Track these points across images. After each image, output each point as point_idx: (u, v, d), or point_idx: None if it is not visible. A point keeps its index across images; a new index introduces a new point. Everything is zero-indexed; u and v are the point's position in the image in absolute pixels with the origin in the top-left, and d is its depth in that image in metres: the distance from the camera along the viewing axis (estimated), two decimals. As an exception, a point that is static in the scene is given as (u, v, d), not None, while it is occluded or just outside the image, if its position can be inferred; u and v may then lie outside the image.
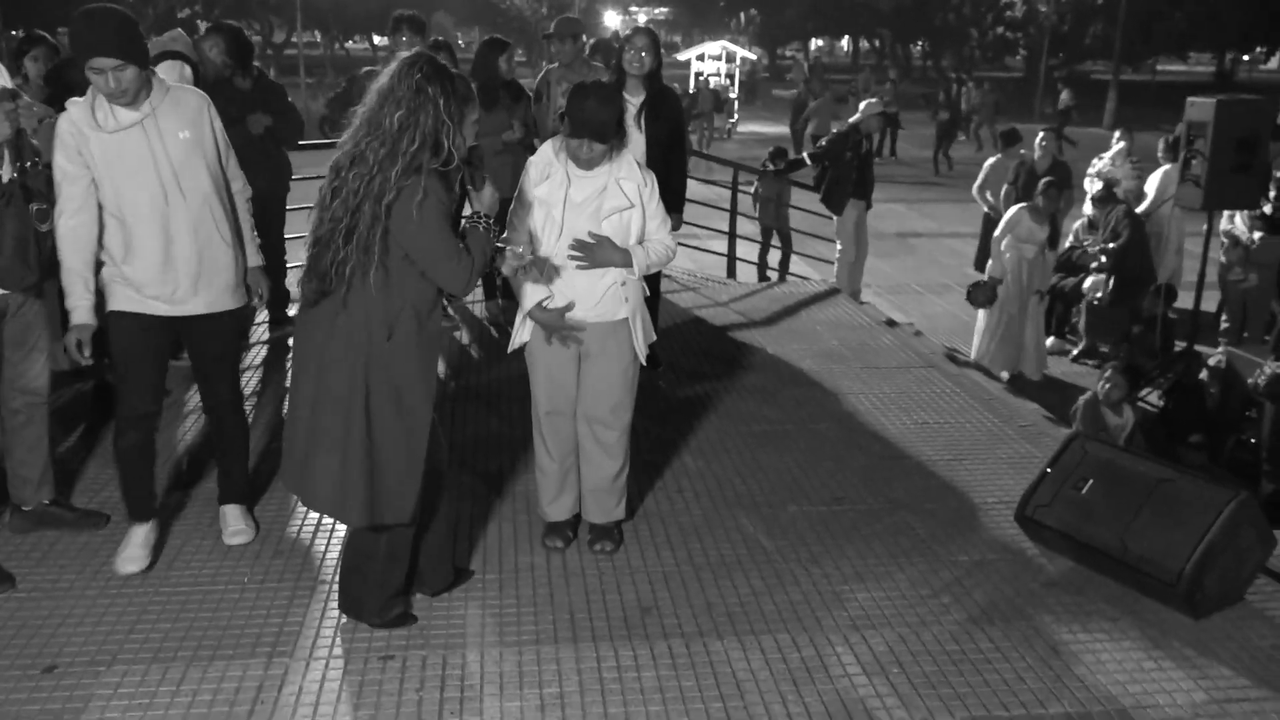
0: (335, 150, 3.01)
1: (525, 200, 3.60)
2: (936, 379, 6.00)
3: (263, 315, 6.45)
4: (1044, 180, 7.99)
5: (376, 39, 45.15)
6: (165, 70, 5.11)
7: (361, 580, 3.28)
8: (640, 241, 3.65)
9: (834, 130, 9.49)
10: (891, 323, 7.28)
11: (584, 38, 6.36)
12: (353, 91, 6.20)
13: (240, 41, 5.52)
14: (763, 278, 9.79)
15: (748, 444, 4.92)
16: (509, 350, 3.83)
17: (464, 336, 6.39)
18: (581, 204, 3.55)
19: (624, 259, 3.56)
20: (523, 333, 3.71)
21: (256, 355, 6.00)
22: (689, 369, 6.01)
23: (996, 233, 7.98)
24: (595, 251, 3.53)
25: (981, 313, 7.95)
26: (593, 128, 3.43)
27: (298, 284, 3.08)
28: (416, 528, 3.27)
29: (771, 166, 10.29)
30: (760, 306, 7.50)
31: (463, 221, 3.09)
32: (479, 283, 3.52)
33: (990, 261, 7.97)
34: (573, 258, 3.54)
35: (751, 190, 10.33)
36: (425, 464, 3.11)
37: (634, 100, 5.35)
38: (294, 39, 33.89)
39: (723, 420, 5.22)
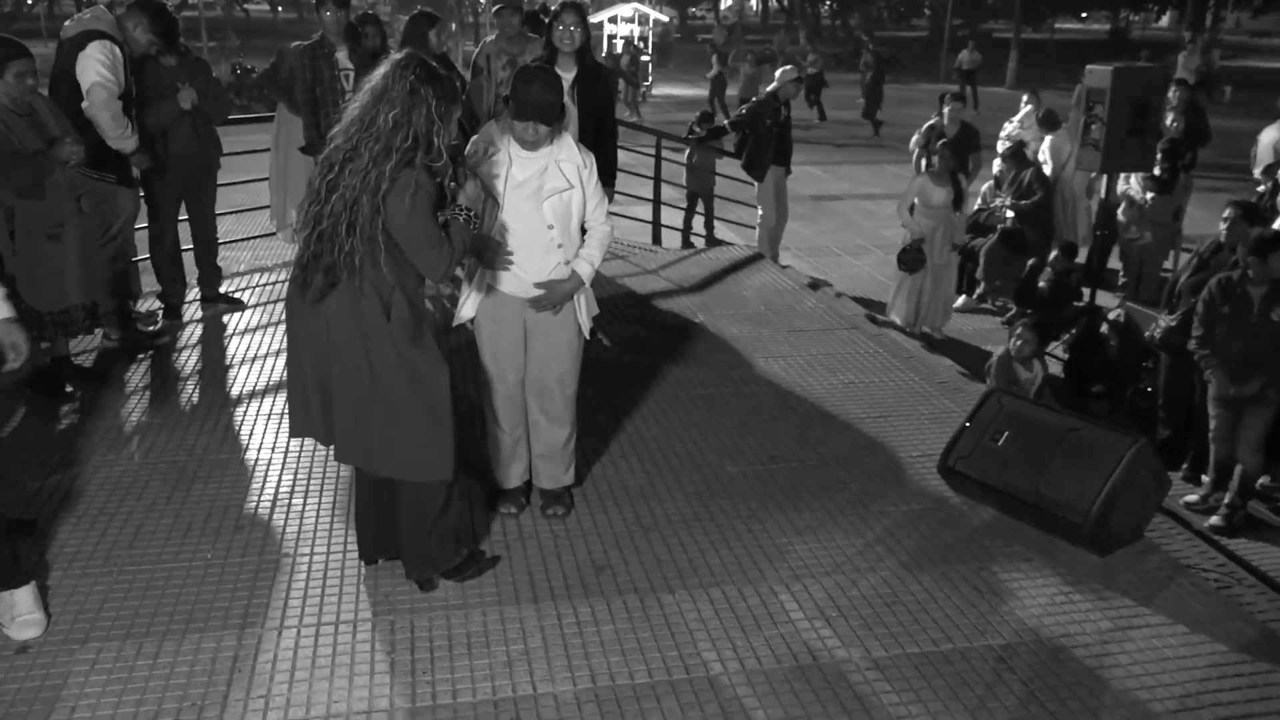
0: (327, 146, 3.16)
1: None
2: (859, 340, 6.28)
3: (193, 294, 6.41)
4: (938, 143, 8.30)
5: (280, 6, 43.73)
6: (95, 51, 5.04)
7: (423, 535, 3.40)
8: (581, 223, 3.81)
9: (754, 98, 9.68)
10: (814, 285, 7.54)
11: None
12: (287, 65, 6.18)
13: (164, 18, 5.44)
14: (687, 243, 9.99)
15: (686, 408, 5.13)
16: (453, 325, 3.96)
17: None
18: (523, 184, 3.69)
19: (576, 282, 3.78)
20: (467, 307, 3.83)
21: (191, 334, 5.98)
22: (625, 337, 6.18)
23: (901, 200, 8.25)
24: (551, 295, 3.74)
25: (902, 273, 8.24)
26: (539, 110, 3.56)
27: (290, 276, 3.19)
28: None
29: (698, 130, 10.46)
30: (688, 273, 7.70)
31: (444, 213, 3.21)
32: None
33: (905, 227, 8.26)
34: (538, 307, 3.75)
35: (684, 157, 10.50)
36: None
37: (566, 76, 5.45)
38: (190, 0, 32.74)
39: (661, 386, 5.42)
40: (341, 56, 5.98)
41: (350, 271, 3.06)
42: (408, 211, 3.04)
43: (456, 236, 3.22)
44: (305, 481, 4.27)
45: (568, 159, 3.73)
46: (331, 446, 3.36)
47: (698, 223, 10.45)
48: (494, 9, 6.47)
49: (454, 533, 3.53)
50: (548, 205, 3.71)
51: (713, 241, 10.34)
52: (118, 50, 5.12)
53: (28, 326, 4.71)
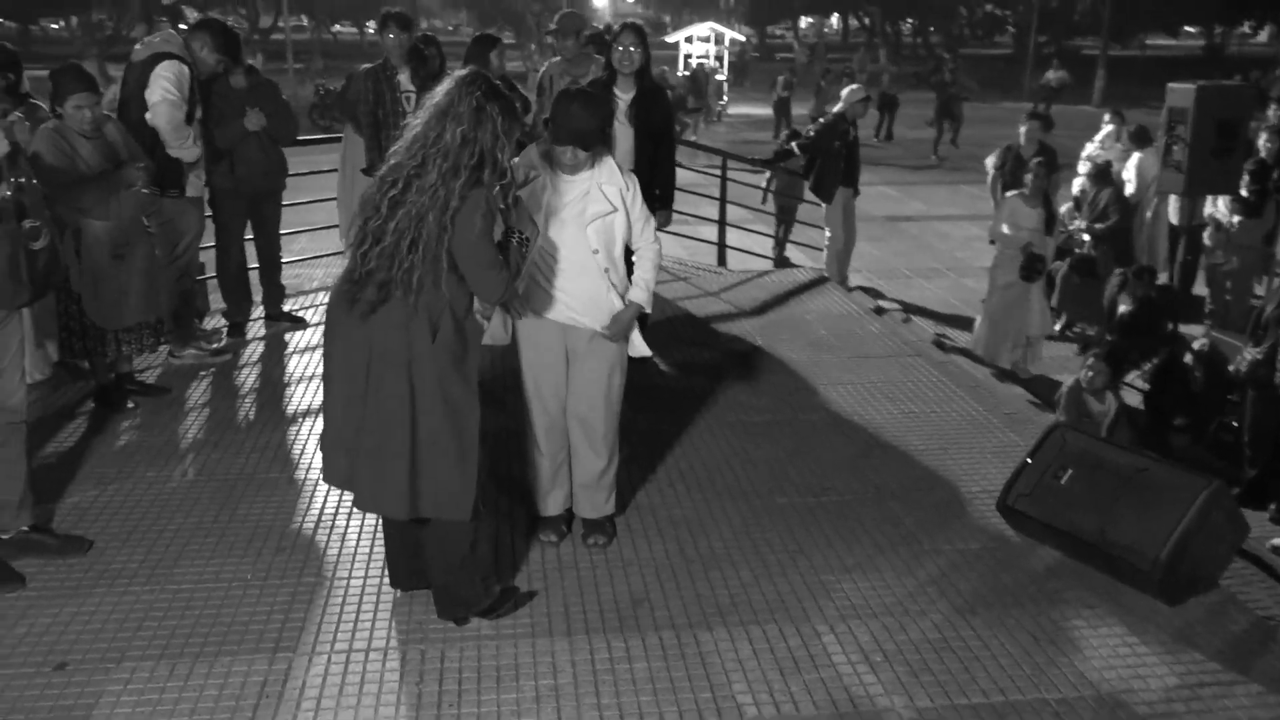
0: (385, 163, 3.14)
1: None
2: (923, 367, 6.09)
3: (258, 312, 6.51)
4: (1033, 161, 8.01)
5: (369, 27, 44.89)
6: (163, 70, 5.16)
7: (453, 576, 3.34)
8: (627, 246, 3.75)
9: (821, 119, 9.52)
10: (879, 310, 7.37)
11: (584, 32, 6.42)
12: (350, 88, 6.26)
13: (227, 35, 5.55)
14: (782, 261, 10.07)
15: (737, 435, 5.02)
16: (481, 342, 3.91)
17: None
18: (565, 208, 3.64)
19: (634, 310, 3.74)
20: (495, 329, 3.78)
21: (253, 352, 6.06)
22: (679, 360, 6.09)
23: (994, 222, 7.86)
24: (616, 330, 3.71)
25: (981, 300, 7.87)
26: (577, 135, 3.51)
27: (333, 290, 3.17)
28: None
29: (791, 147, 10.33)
30: (750, 295, 7.58)
31: (498, 234, 3.20)
32: None
33: (996, 256, 7.77)
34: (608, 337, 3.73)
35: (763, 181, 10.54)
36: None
37: (624, 96, 5.43)
38: (280, 24, 33.70)
39: (712, 411, 5.31)
40: (404, 79, 6.02)
41: (407, 289, 3.02)
42: (478, 233, 3.02)
43: (511, 259, 3.20)
44: (351, 503, 4.25)
45: (610, 181, 3.67)
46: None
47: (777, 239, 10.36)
48: (546, 33, 6.48)
49: (485, 571, 3.46)
50: (592, 229, 3.65)
51: (781, 262, 10.28)
52: (185, 70, 5.25)
53: (93, 343, 4.86)
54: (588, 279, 3.68)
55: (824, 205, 9.03)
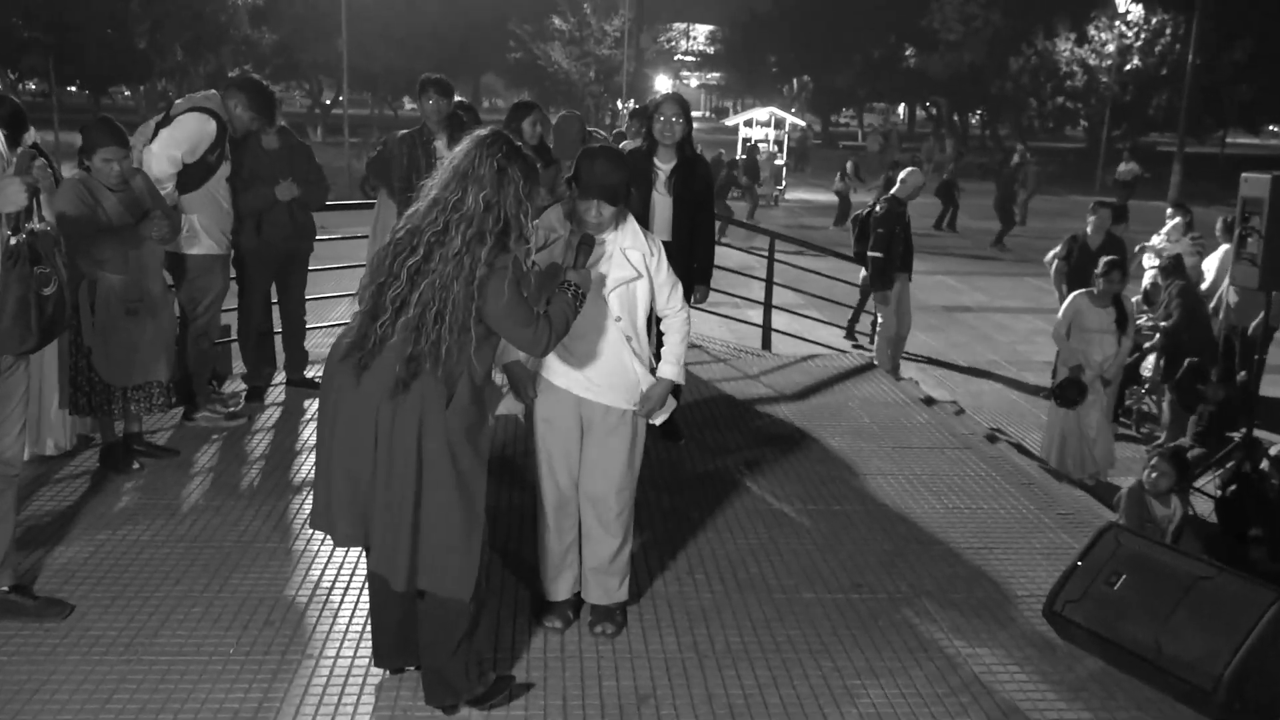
0: (399, 225, 3.11)
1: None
2: (971, 461, 5.89)
3: (279, 378, 6.52)
4: (1104, 260, 7.56)
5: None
6: (186, 118, 5.31)
7: (446, 658, 3.20)
8: (650, 314, 3.68)
9: (878, 208, 9.46)
10: (929, 400, 7.19)
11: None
12: (390, 152, 6.35)
13: (262, 94, 5.65)
14: (851, 336, 10.48)
15: (766, 524, 4.85)
16: (494, 413, 3.82)
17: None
18: None
19: (666, 385, 3.69)
20: (513, 401, 3.71)
21: (269, 418, 6.04)
22: (711, 442, 5.96)
23: (1058, 323, 7.48)
24: (648, 406, 3.66)
25: (1051, 405, 7.39)
26: (604, 189, 3.45)
27: (336, 354, 3.11)
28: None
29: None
30: (792, 380, 7.45)
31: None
32: None
33: (1060, 354, 7.45)
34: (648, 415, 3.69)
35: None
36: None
37: (664, 167, 5.42)
38: (341, 99, 34.91)
39: (742, 498, 5.15)
40: (440, 145, 6.07)
41: (435, 362, 2.96)
42: (508, 302, 2.98)
43: (558, 311, 3.16)
44: (349, 577, 4.15)
45: (633, 246, 3.61)
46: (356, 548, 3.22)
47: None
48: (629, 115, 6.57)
49: (480, 656, 3.32)
50: (614, 296, 3.58)
51: (850, 336, 10.62)
52: (211, 125, 5.34)
53: (99, 399, 4.86)
54: (609, 348, 3.60)
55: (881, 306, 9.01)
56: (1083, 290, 7.46)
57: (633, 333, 3.64)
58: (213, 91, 5.66)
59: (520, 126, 6.23)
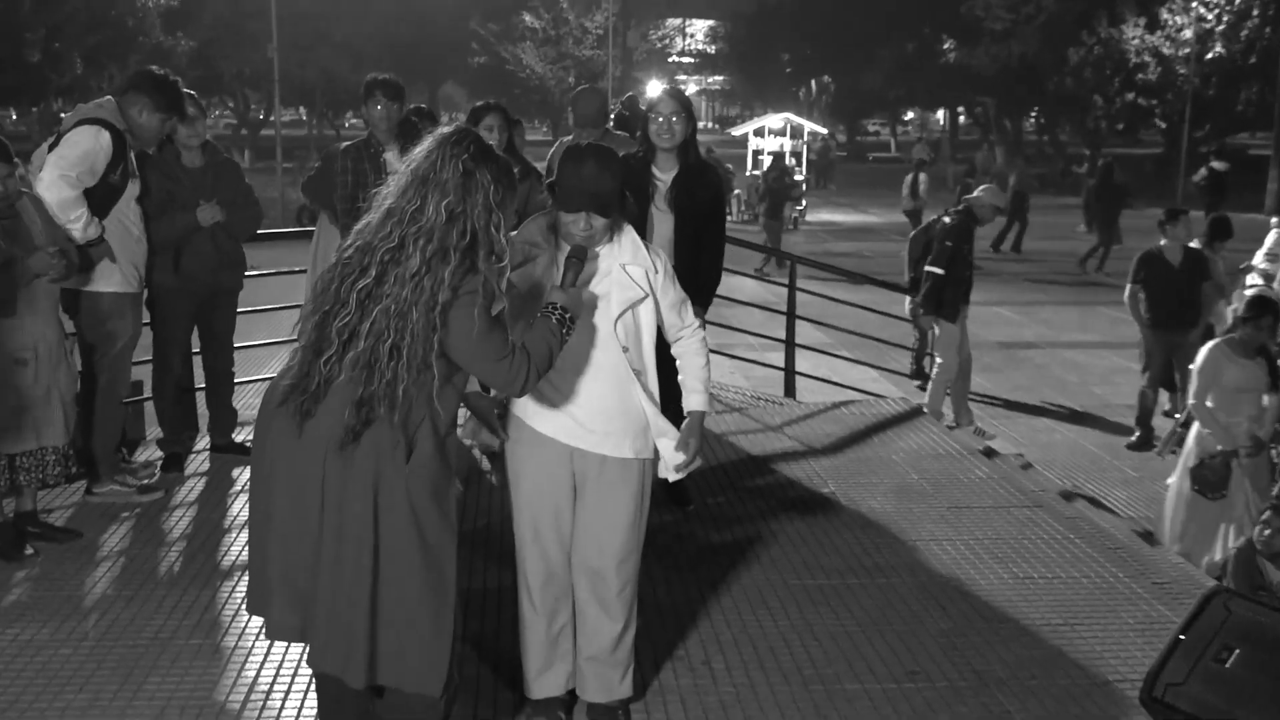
0: (347, 243, 3.11)
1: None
2: (1045, 522, 5.88)
3: (202, 442, 6.51)
4: (1249, 301, 7.35)
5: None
6: (75, 134, 5.23)
7: None
8: (660, 336, 3.70)
9: (946, 218, 9.60)
10: (990, 452, 7.19)
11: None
12: (330, 168, 6.39)
13: (165, 88, 5.48)
14: (919, 374, 10.95)
15: (798, 602, 4.84)
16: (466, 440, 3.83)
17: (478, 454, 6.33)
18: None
19: (699, 419, 3.77)
20: (485, 433, 3.71)
21: (189, 491, 6.02)
22: (726, 508, 5.96)
23: (1192, 388, 7.18)
24: (690, 449, 3.71)
25: (1173, 479, 7.23)
26: (594, 197, 3.44)
27: (271, 401, 3.10)
28: None
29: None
30: (822, 431, 7.46)
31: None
32: None
33: (1198, 429, 7.09)
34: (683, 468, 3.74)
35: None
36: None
37: (664, 176, 5.46)
38: (272, 118, 35.34)
39: (768, 572, 5.14)
40: (391, 157, 6.12)
41: (391, 406, 2.96)
42: (477, 332, 2.98)
43: (539, 338, 3.16)
44: (289, 677, 4.12)
45: (634, 261, 3.62)
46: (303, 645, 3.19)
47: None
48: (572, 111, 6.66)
49: None
50: (620, 325, 3.57)
51: (918, 375, 10.98)
52: (105, 137, 5.25)
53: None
54: (611, 386, 3.58)
55: (935, 328, 9.11)
56: (1219, 341, 7.36)
57: (641, 364, 3.64)
58: (106, 99, 5.54)
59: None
